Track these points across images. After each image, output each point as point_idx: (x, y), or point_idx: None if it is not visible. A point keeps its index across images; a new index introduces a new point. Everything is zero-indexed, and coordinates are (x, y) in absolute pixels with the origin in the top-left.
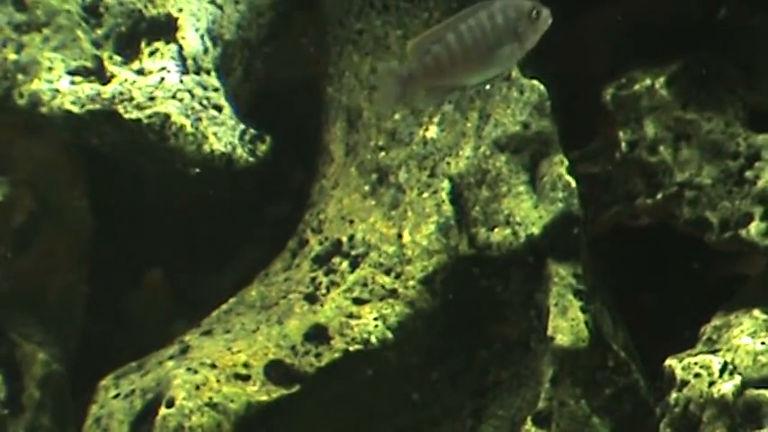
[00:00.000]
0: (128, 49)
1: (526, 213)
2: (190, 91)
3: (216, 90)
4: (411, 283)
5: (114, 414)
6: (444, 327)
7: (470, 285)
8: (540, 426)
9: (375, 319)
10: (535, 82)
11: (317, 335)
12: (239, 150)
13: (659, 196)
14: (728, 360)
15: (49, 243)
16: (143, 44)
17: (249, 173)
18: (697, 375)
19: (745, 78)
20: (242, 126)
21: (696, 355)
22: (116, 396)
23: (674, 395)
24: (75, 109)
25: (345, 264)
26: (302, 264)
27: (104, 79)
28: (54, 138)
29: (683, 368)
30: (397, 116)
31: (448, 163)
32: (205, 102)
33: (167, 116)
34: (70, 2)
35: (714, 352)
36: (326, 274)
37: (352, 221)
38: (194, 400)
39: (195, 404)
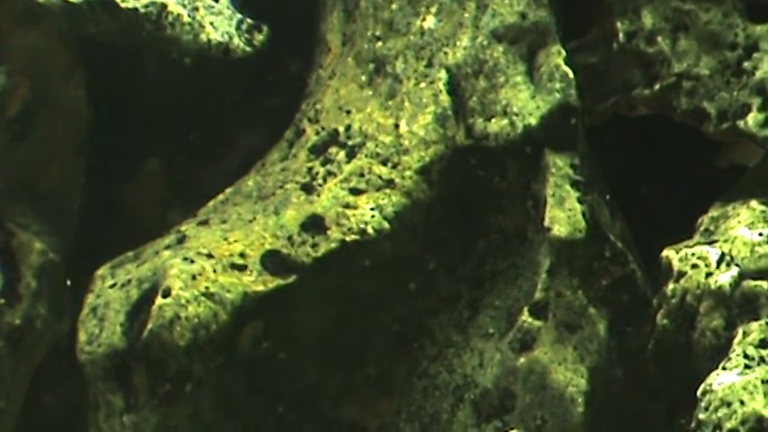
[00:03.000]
0: None
1: (523, 104)
2: None
3: None
4: (408, 173)
5: (110, 303)
6: (441, 217)
7: (467, 176)
8: (537, 316)
9: (372, 209)
10: None
11: (314, 225)
12: (236, 40)
13: (657, 87)
14: (726, 251)
15: (45, 133)
16: None
17: (246, 63)
18: (694, 266)
19: None
20: (239, 16)
21: (693, 246)
22: (112, 286)
23: (670, 286)
24: None
25: (342, 154)
26: (299, 154)
27: None
28: (51, 27)
29: (680, 259)
30: (394, 6)
31: (445, 53)
32: None
33: (164, 5)
34: None
35: (711, 243)
36: (323, 164)
37: (348, 111)
38: (191, 290)
39: (191, 294)
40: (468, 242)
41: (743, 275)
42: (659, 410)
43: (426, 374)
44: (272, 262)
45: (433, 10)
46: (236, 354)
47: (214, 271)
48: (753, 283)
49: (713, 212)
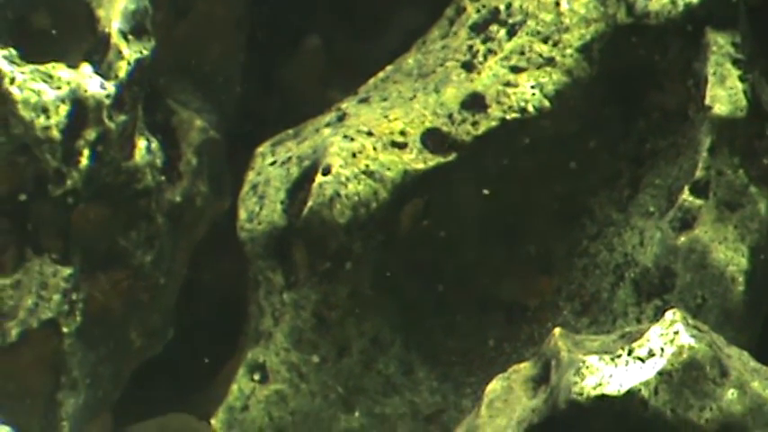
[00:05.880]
0: None
1: None
2: None
3: None
4: (568, 51)
5: (271, 181)
6: (602, 96)
7: (628, 54)
8: (698, 195)
9: (532, 87)
10: None
11: (474, 103)
12: None
13: None
14: None
15: (206, 10)
16: None
17: None
18: None
19: None
20: None
21: None
22: (272, 163)
23: None
24: None
25: (503, 32)
26: (459, 31)
27: None
28: None
29: None
30: None
31: None
32: None
33: None
34: None
35: None
36: (484, 42)
37: None
38: (351, 168)
39: (351, 172)
40: (628, 121)
41: None
42: None
43: (587, 253)
44: (433, 140)
45: None
46: (396, 232)
47: (374, 149)
48: None
49: None
